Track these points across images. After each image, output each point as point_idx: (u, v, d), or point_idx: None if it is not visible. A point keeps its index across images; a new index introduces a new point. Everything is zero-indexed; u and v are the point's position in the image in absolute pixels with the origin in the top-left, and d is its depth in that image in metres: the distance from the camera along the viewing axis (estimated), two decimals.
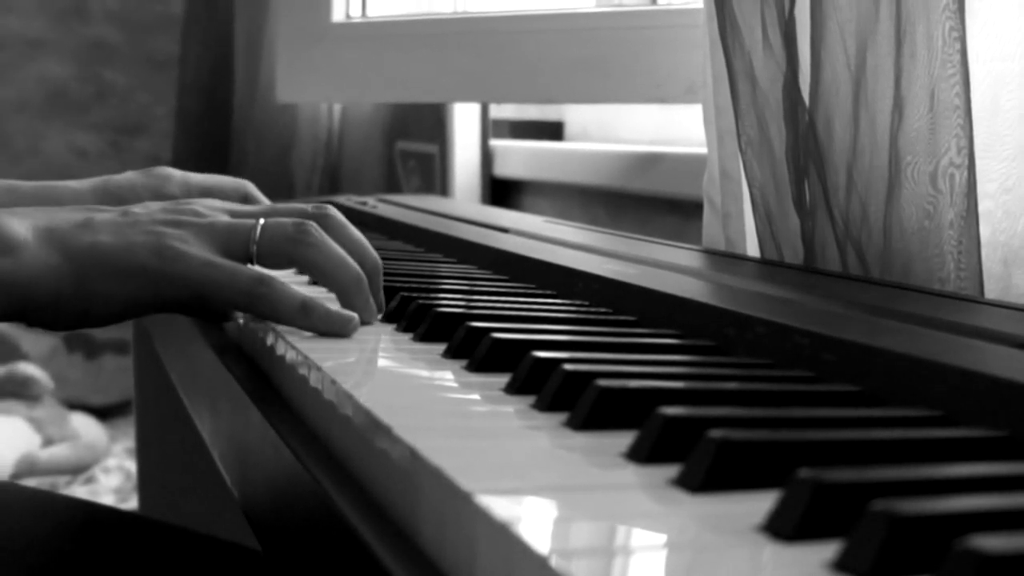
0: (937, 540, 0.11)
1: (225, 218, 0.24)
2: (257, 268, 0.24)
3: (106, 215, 0.23)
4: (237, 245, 0.24)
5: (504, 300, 0.26)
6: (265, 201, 0.30)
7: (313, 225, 0.24)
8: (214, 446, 0.25)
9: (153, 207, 0.24)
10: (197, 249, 0.23)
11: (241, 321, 0.25)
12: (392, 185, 0.70)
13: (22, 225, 0.22)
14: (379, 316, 0.25)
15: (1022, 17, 0.29)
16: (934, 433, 0.15)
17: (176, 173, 0.31)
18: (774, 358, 0.20)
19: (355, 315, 0.23)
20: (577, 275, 0.28)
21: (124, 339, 0.93)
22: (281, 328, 0.23)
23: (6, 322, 0.23)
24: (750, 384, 0.18)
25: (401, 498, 0.15)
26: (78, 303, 0.23)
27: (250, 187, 0.31)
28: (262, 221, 0.24)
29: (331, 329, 0.23)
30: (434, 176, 0.66)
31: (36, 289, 0.22)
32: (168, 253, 0.23)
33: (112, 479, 0.80)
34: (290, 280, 0.26)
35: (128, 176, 0.30)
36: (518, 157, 0.63)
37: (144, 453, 0.54)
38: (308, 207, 0.25)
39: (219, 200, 0.26)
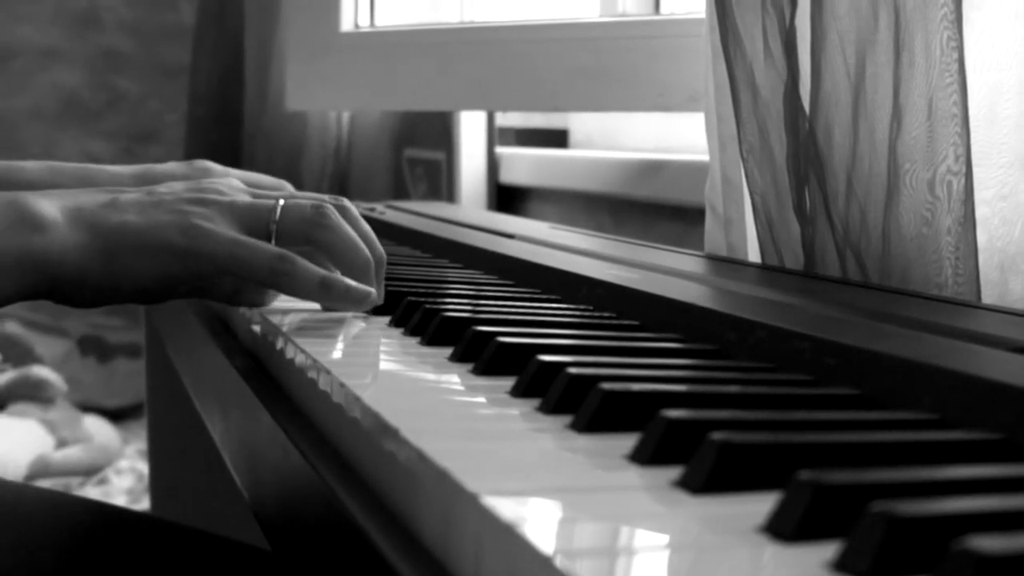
0: (935, 541, 0.11)
1: (246, 197, 0.25)
2: (278, 248, 0.24)
3: (131, 195, 0.24)
4: (258, 223, 0.24)
5: (510, 305, 0.26)
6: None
7: (331, 208, 0.25)
8: (224, 448, 0.25)
9: (176, 187, 0.25)
10: (221, 227, 0.23)
11: (257, 328, 0.26)
12: (400, 192, 0.70)
13: (51, 205, 0.23)
14: (380, 302, 0.25)
15: (1018, 27, 0.29)
16: (932, 436, 0.16)
17: (217, 167, 0.31)
18: (775, 362, 0.20)
19: (373, 290, 0.24)
20: (581, 280, 0.28)
21: (136, 342, 0.93)
22: (290, 332, 0.23)
23: (34, 299, 0.23)
24: (751, 387, 0.18)
25: (408, 499, 0.15)
26: (106, 279, 0.23)
27: (289, 187, 0.31)
28: (282, 201, 0.24)
29: (350, 303, 0.24)
30: (441, 183, 0.66)
31: (65, 266, 0.22)
32: (193, 231, 0.23)
33: (124, 480, 0.80)
34: None
35: (169, 166, 0.30)
36: (524, 164, 0.64)
37: (156, 455, 0.54)
38: (325, 196, 0.26)
39: (239, 181, 0.26)
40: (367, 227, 0.26)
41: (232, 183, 0.26)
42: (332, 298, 0.23)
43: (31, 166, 0.29)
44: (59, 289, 0.23)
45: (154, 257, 0.23)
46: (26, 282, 0.22)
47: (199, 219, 0.23)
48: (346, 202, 0.26)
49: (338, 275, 0.24)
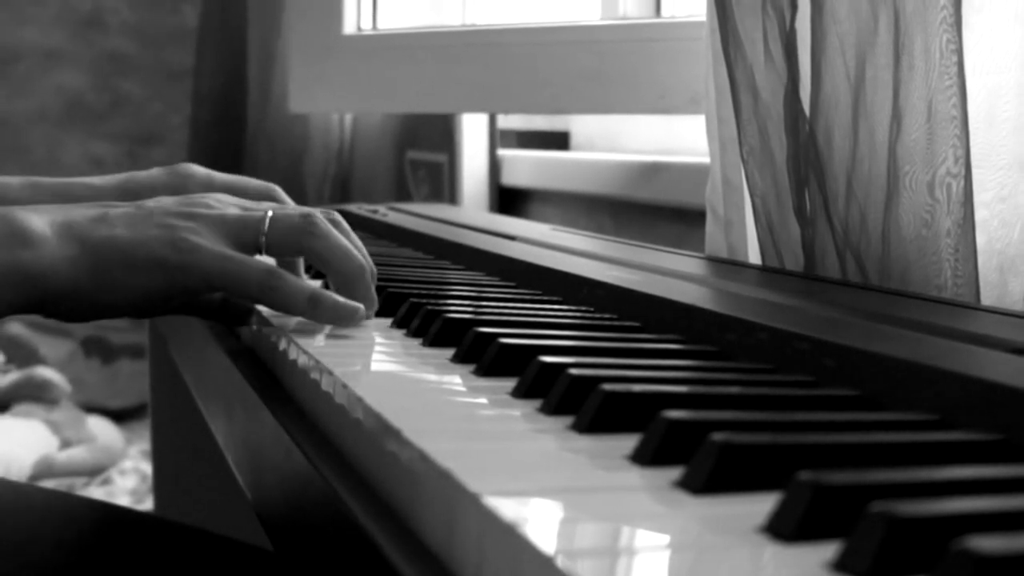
0: (934, 541, 0.11)
1: (235, 210, 0.25)
2: (267, 261, 0.24)
3: (120, 209, 0.24)
4: (248, 236, 0.24)
5: (511, 306, 0.27)
6: (291, 204, 0.30)
7: (319, 217, 0.25)
8: (228, 449, 0.25)
9: (165, 201, 0.25)
10: (210, 241, 0.23)
11: (255, 327, 0.26)
12: (402, 194, 0.71)
13: (40, 220, 0.23)
14: (374, 311, 0.25)
15: (1017, 30, 0.29)
16: (931, 436, 0.16)
17: (199, 171, 0.31)
18: (775, 363, 0.21)
19: (361, 306, 0.24)
20: (583, 282, 0.28)
21: (140, 344, 0.94)
22: (293, 333, 0.23)
23: (25, 313, 0.23)
24: (752, 388, 0.18)
25: (410, 499, 0.15)
26: (96, 294, 0.23)
27: (277, 191, 0.31)
28: (271, 212, 0.24)
29: (338, 319, 0.24)
30: (443, 185, 0.66)
31: (54, 281, 0.23)
32: (183, 245, 0.23)
33: (128, 481, 0.81)
34: None
35: (151, 173, 0.30)
36: (525, 166, 0.64)
37: (159, 455, 0.54)
38: (316, 210, 0.26)
39: (230, 195, 0.26)
40: (357, 240, 0.26)
41: (220, 196, 0.26)
42: (321, 314, 0.24)
43: (14, 182, 0.29)
44: (50, 303, 0.23)
45: (144, 271, 0.23)
46: (16, 296, 0.22)
47: (188, 233, 0.23)
48: (337, 216, 0.26)
49: (327, 291, 0.24)
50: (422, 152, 0.69)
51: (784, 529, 0.12)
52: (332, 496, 0.16)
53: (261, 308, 0.26)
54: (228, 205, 0.25)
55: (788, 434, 0.15)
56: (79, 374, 0.95)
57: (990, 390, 0.16)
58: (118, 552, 0.29)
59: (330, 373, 0.19)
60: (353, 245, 0.25)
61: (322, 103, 0.70)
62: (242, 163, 0.79)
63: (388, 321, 0.26)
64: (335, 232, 0.25)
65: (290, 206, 0.27)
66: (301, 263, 0.29)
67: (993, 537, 0.11)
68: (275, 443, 0.20)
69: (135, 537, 0.30)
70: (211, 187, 0.31)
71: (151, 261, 0.23)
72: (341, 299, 0.24)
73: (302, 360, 0.22)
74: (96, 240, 0.23)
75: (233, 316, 0.27)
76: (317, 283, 0.26)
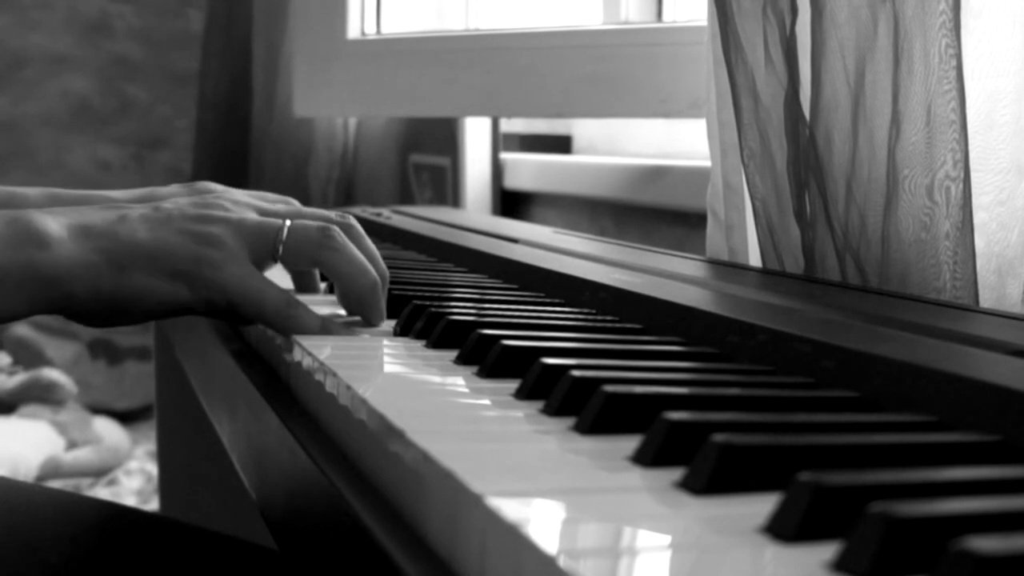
0: (933, 541, 0.11)
1: (253, 216, 0.25)
2: (286, 289, 0.24)
3: (138, 212, 0.24)
4: (265, 244, 0.24)
5: (514, 308, 0.27)
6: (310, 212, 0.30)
7: (337, 230, 0.25)
8: (232, 449, 0.25)
9: (183, 203, 0.25)
10: (230, 252, 0.23)
11: (264, 331, 0.26)
12: (405, 197, 0.71)
13: (56, 222, 0.23)
14: (381, 323, 0.26)
15: (1016, 35, 0.29)
16: (930, 438, 0.16)
17: (219, 189, 0.31)
18: (775, 365, 0.21)
19: (365, 334, 0.24)
20: (585, 284, 0.28)
21: (146, 345, 0.94)
22: (297, 336, 0.23)
23: (46, 314, 0.23)
24: (752, 390, 0.19)
25: (413, 500, 0.15)
26: (117, 299, 0.23)
27: (296, 204, 0.31)
28: (289, 222, 0.25)
29: None
30: (446, 188, 0.67)
31: (74, 283, 0.23)
32: (204, 257, 0.23)
33: (134, 481, 0.81)
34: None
35: (172, 189, 0.30)
36: (528, 170, 0.64)
37: (165, 456, 0.54)
38: (332, 214, 0.26)
39: (246, 195, 0.26)
40: (371, 246, 0.26)
41: (238, 196, 0.26)
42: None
43: (32, 193, 0.29)
44: (69, 306, 0.23)
45: (164, 278, 0.23)
46: (34, 298, 0.22)
47: (209, 242, 0.23)
48: (352, 220, 0.26)
49: (336, 322, 0.24)
50: (425, 156, 0.69)
51: (784, 530, 0.12)
52: (336, 496, 0.16)
53: None
54: (246, 208, 0.25)
55: (788, 435, 0.15)
56: (85, 375, 0.95)
57: (988, 392, 0.16)
58: (124, 552, 0.29)
59: (334, 375, 0.20)
60: (367, 253, 0.25)
61: (326, 107, 0.71)
62: (247, 166, 0.79)
63: (392, 323, 0.26)
64: (351, 246, 0.25)
65: (309, 212, 0.27)
66: (317, 274, 0.29)
67: (992, 537, 0.11)
68: (279, 444, 0.20)
69: (141, 537, 0.30)
70: None
71: (172, 269, 0.23)
72: (347, 329, 0.24)
73: (306, 362, 0.22)
74: (115, 244, 0.23)
75: (240, 318, 0.27)
76: (331, 300, 0.26)
